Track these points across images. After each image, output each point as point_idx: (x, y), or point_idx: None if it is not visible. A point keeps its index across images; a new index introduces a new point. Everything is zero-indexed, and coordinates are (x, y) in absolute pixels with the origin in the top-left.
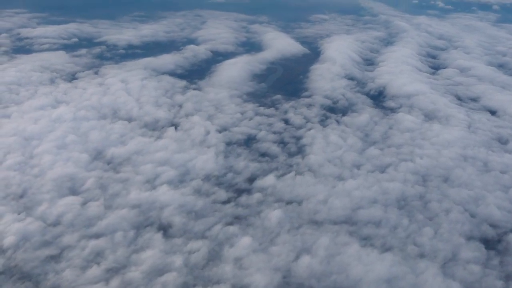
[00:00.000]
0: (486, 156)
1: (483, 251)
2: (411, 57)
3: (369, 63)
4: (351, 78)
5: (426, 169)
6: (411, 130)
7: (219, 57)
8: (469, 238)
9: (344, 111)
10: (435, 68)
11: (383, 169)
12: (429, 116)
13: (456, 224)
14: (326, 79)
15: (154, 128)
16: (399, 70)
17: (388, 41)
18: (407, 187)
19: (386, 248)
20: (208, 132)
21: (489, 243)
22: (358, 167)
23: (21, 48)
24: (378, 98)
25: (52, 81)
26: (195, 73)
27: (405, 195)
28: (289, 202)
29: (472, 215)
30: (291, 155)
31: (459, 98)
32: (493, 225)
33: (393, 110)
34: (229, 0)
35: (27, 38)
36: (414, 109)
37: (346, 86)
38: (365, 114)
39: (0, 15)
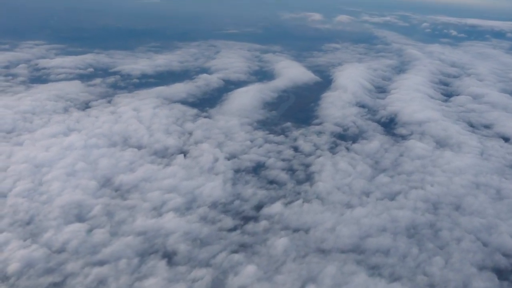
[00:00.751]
0: (499, 184)
1: (495, 281)
2: (423, 84)
3: (381, 90)
4: (362, 106)
5: (437, 197)
6: (422, 157)
7: (231, 85)
8: (481, 268)
9: (354, 138)
10: (448, 95)
11: (392, 197)
12: (441, 143)
13: (468, 253)
14: (337, 106)
15: (164, 155)
16: (410, 98)
17: (400, 69)
18: (417, 215)
19: (394, 278)
20: (216, 160)
21: (502, 273)
22: (367, 194)
23: (38, 78)
24: (389, 125)
25: (66, 110)
26: (207, 102)
27: (415, 223)
28: (296, 230)
29: (485, 244)
30: (299, 182)
31: (471, 125)
32: (506, 255)
33: (404, 137)
34: (244, 30)
35: (44, 68)
36: (426, 136)
37: (357, 114)
38: (376, 141)
39: (20, 46)
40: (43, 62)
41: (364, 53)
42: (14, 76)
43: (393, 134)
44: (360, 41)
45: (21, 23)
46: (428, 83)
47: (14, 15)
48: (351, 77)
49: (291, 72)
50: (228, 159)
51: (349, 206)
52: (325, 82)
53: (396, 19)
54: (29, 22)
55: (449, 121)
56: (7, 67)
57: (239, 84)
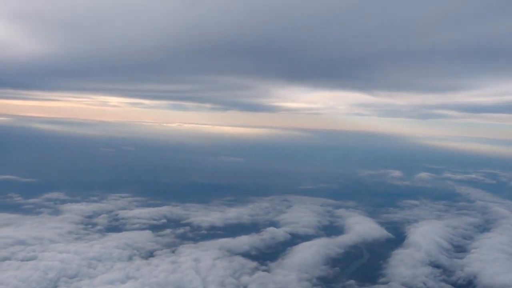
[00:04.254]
0: None
1: None
2: (509, 244)
3: (460, 250)
4: (437, 266)
5: None
6: None
7: (297, 239)
8: None
9: None
10: None
11: None
12: None
13: None
14: (407, 265)
15: None
16: (493, 258)
17: (484, 228)
18: None
19: None
20: None
21: None
22: None
23: (115, 227)
24: None
25: (130, 258)
26: (269, 255)
27: None
28: None
29: None
30: None
31: None
32: None
33: None
34: (319, 186)
35: (122, 218)
36: None
37: (429, 274)
38: None
39: (107, 198)
40: (122, 213)
41: (444, 210)
42: (94, 225)
43: None
44: (441, 198)
45: (115, 178)
46: None
47: (112, 171)
48: (426, 235)
49: (361, 227)
50: None
51: None
52: (397, 239)
53: (482, 176)
54: (122, 177)
55: None
56: (90, 216)
57: (306, 238)
